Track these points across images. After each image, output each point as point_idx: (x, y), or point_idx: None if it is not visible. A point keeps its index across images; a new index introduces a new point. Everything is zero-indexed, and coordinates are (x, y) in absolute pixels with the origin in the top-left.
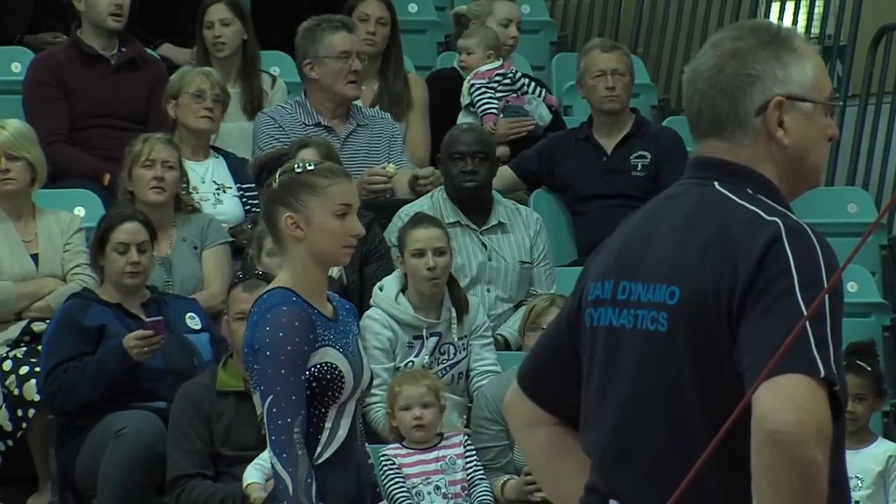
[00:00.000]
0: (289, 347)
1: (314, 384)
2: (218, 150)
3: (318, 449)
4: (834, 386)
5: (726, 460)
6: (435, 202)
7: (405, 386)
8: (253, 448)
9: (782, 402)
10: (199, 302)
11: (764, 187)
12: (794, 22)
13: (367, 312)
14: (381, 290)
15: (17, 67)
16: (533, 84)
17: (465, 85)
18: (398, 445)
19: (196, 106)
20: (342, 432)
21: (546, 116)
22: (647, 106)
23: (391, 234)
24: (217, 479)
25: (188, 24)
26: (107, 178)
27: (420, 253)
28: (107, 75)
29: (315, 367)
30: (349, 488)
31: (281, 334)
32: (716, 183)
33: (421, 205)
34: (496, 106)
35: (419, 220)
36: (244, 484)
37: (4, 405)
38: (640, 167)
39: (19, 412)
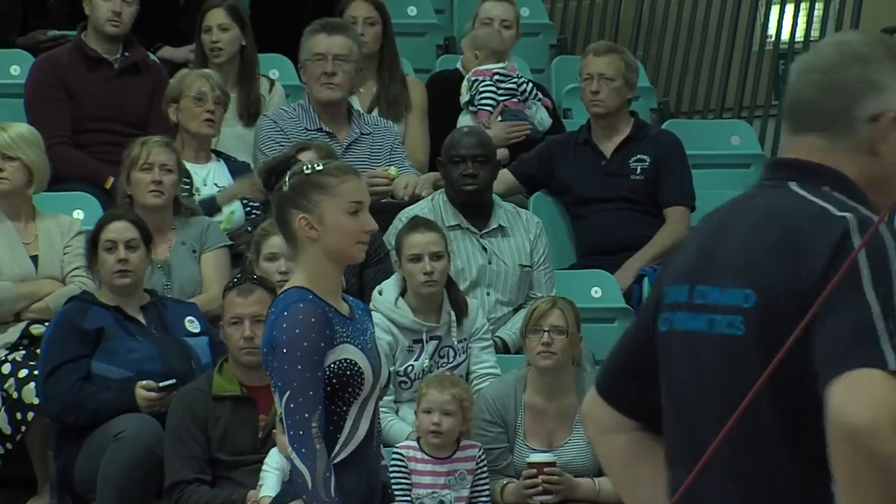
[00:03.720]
0: (305, 343)
1: (334, 381)
2: (219, 154)
3: (336, 448)
4: None
5: (801, 459)
6: (435, 205)
7: (431, 390)
8: (251, 452)
9: (855, 397)
10: (198, 306)
11: (841, 184)
12: (794, 24)
13: None
14: (380, 294)
15: (15, 70)
16: (533, 89)
17: (465, 83)
18: (416, 445)
19: (197, 109)
20: (361, 433)
21: (546, 121)
22: (647, 109)
23: (390, 237)
24: (215, 483)
25: (188, 29)
26: (109, 181)
27: (417, 258)
28: (110, 79)
29: (334, 363)
30: (361, 491)
31: (297, 331)
32: (790, 183)
33: (421, 208)
34: (494, 104)
35: (416, 224)
36: (259, 494)
37: (3, 408)
38: (639, 171)
39: (18, 415)
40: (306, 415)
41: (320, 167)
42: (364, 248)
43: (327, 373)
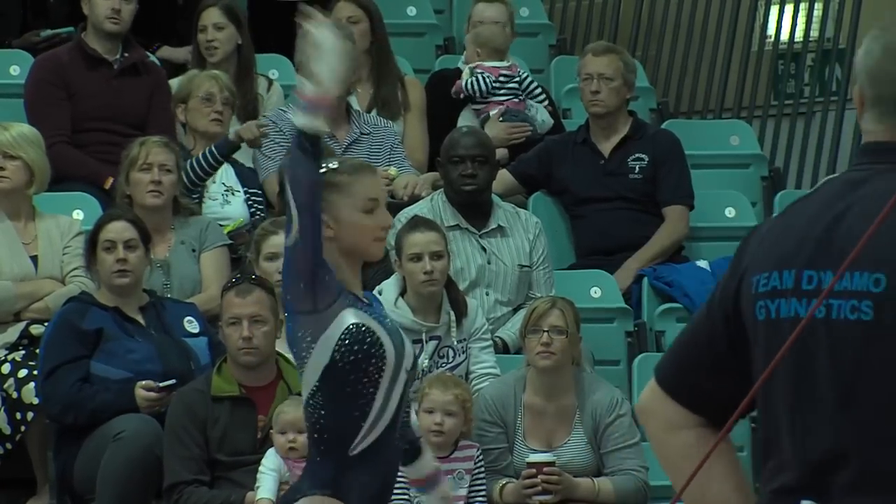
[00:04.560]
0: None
1: (354, 348)
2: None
3: (357, 438)
4: None
5: None
6: (434, 205)
7: (434, 389)
8: (249, 453)
9: None
10: (196, 306)
11: None
12: (794, 25)
13: None
14: (379, 294)
15: (15, 70)
16: (541, 92)
17: (467, 70)
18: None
19: (206, 109)
20: (385, 420)
21: (547, 122)
22: (646, 109)
23: (390, 237)
24: (213, 484)
25: (186, 30)
26: (109, 181)
27: (417, 257)
28: (109, 79)
29: (352, 325)
30: (374, 487)
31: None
32: None
33: (420, 208)
34: (475, 88)
35: (416, 223)
36: (256, 496)
37: (3, 408)
38: (637, 170)
39: (18, 415)
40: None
41: (334, 166)
42: (382, 245)
43: (344, 339)
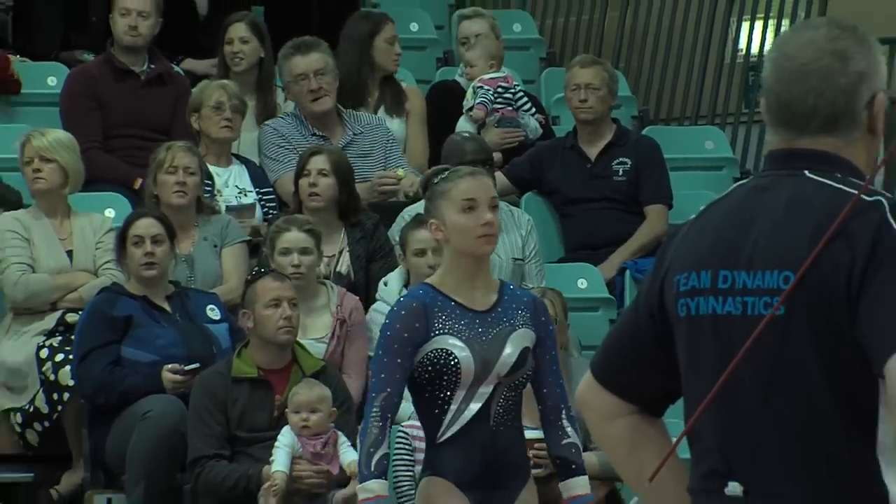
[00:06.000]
0: (388, 332)
1: (429, 368)
2: (240, 158)
3: (441, 429)
4: None
5: (852, 428)
6: None
7: None
8: (266, 430)
9: None
10: (218, 295)
11: (851, 171)
12: (763, 39)
13: (373, 306)
14: (385, 284)
15: (52, 81)
16: (529, 102)
17: (471, 90)
18: (419, 425)
19: (217, 117)
20: (468, 414)
21: (538, 130)
22: (628, 116)
23: (394, 233)
24: (233, 458)
25: (208, 43)
26: (138, 182)
27: (421, 252)
28: (136, 89)
29: (431, 352)
30: (471, 467)
31: (387, 321)
32: (806, 171)
33: (423, 206)
34: (489, 104)
35: (421, 221)
36: (272, 469)
37: (42, 390)
38: (621, 173)
39: (55, 396)
40: (373, 394)
41: (444, 175)
42: (488, 241)
43: (424, 361)
